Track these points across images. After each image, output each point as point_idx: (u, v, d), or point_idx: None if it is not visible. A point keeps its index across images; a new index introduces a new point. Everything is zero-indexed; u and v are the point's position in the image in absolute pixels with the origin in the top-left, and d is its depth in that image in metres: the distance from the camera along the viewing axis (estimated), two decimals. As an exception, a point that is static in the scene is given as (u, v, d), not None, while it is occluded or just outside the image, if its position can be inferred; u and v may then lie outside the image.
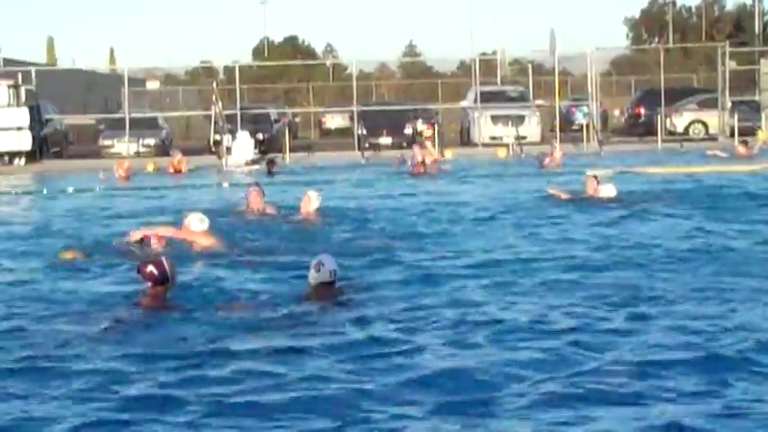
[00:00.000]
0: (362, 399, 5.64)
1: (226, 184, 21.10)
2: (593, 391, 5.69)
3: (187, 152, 31.75)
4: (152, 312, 7.73)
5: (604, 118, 37.39)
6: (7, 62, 35.65)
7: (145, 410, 5.54)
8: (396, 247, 10.99)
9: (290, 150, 29.65)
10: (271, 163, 24.30)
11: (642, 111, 36.53)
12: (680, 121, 34.70)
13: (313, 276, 8.04)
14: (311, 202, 13.15)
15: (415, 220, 13.73)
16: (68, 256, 10.55)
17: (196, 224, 10.84)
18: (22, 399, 5.82)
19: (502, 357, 6.42)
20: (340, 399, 5.66)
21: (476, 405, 5.56)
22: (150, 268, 7.79)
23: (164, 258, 8.06)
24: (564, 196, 15.25)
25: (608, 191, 14.96)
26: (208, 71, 59.46)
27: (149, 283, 7.81)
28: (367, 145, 30.75)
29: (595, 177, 15.65)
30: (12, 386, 6.03)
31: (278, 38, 76.06)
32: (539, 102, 36.89)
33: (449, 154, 27.88)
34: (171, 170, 24.66)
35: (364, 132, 32.31)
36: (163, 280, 7.78)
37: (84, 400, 5.75)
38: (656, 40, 68.75)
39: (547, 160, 23.66)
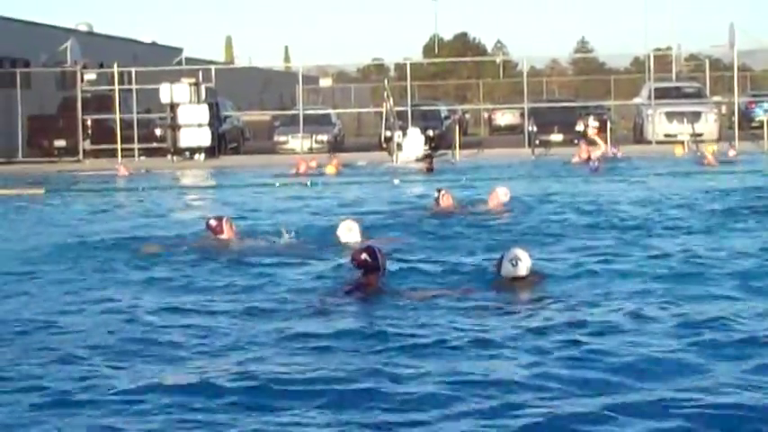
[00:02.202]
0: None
1: (397, 181, 21.30)
2: None
3: (359, 148, 32.40)
4: (365, 298, 7.99)
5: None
6: (188, 61, 37.07)
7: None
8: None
9: (460, 147, 29.72)
10: (428, 159, 24.40)
11: (827, 107, 34.92)
12: None
13: (508, 270, 8.24)
14: (499, 196, 13.12)
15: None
16: (152, 249, 10.85)
17: (344, 233, 10.72)
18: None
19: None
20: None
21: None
22: (364, 256, 8.06)
23: (375, 246, 8.32)
24: None
25: None
26: (379, 68, 60.21)
27: (361, 271, 8.08)
28: (537, 142, 30.51)
29: None
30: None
31: (448, 35, 76.47)
32: (716, 98, 35.78)
33: (620, 152, 27.10)
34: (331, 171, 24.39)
35: (535, 129, 32.07)
36: (376, 267, 8.04)
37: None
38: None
39: (705, 160, 23.02)
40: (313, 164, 24.35)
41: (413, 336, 6.88)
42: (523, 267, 8.23)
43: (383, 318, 7.50)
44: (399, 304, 7.88)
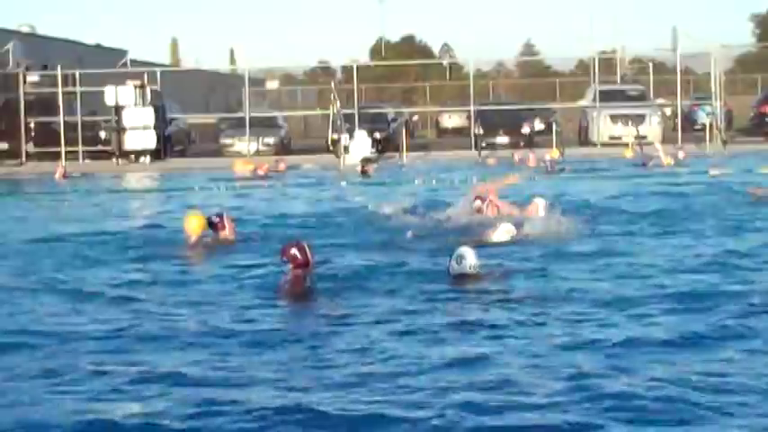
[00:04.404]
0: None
1: (344, 183, 21.30)
2: None
3: (306, 151, 32.35)
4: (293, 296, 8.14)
5: (729, 117, 36.46)
6: (133, 63, 36.71)
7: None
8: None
9: (408, 149, 29.79)
10: (366, 163, 24.47)
11: (769, 110, 35.48)
12: (810, 120, 33.62)
13: (454, 268, 8.50)
14: (539, 208, 12.57)
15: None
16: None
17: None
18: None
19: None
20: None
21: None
22: (293, 251, 8.22)
23: (305, 243, 8.44)
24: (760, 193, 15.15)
25: None
26: (325, 71, 60.11)
27: (291, 266, 8.23)
28: (484, 144, 30.65)
29: None
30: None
31: (395, 37, 76.58)
32: (659, 101, 36.21)
33: (555, 153, 27.40)
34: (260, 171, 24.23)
35: (481, 132, 32.22)
36: (305, 263, 8.21)
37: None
38: (784, 36, 66.70)
39: (650, 162, 23.34)
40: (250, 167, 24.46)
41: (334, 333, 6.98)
42: (467, 265, 8.37)
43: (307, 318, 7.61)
44: (324, 302, 8.01)
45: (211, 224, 11.07)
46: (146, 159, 29.94)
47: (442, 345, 6.69)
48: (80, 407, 5.54)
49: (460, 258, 8.47)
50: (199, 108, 42.93)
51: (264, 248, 10.58)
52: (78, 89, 31.92)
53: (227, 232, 11.01)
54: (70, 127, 31.23)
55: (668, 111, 37.70)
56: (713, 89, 32.83)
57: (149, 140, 29.98)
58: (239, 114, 35.60)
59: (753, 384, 5.68)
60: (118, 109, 29.81)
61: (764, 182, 17.19)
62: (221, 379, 5.99)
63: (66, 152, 30.63)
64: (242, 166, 25.03)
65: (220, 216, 11.21)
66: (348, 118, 30.68)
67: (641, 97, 34.41)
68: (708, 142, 30.71)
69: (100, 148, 31.28)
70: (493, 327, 7.11)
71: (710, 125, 31.64)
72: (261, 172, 23.77)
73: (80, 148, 30.97)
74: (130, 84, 30.16)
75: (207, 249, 10.89)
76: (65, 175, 25.41)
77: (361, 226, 12.97)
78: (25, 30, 38.89)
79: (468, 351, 6.48)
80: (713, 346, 6.58)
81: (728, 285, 8.49)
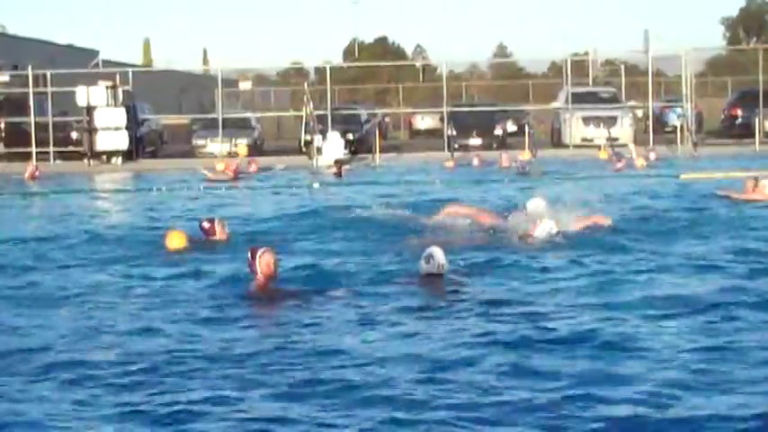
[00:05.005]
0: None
1: (316, 185, 21.27)
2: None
3: (279, 152, 32.29)
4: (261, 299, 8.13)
5: (699, 119, 36.71)
6: (105, 64, 36.51)
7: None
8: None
9: (380, 151, 29.80)
10: (338, 165, 24.46)
11: (739, 112, 35.75)
12: (779, 122, 33.85)
13: (422, 267, 8.57)
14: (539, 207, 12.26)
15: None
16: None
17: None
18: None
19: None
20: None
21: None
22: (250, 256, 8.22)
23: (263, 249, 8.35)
24: (735, 195, 15.26)
25: None
26: (299, 72, 60.03)
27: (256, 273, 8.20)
28: (456, 146, 30.72)
29: (756, 179, 15.51)
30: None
31: (368, 38, 76.59)
32: (631, 103, 36.40)
33: (527, 155, 27.56)
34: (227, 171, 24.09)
35: (454, 133, 32.29)
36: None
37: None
38: (755, 39, 67.22)
39: (619, 165, 23.48)
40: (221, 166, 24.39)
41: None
42: (436, 265, 8.47)
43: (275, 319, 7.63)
44: (289, 305, 8.01)
45: (203, 229, 11.09)
46: (117, 160, 29.76)
47: (407, 343, 6.69)
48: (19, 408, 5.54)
49: (429, 258, 8.53)
50: (171, 109, 42.74)
51: (230, 251, 10.52)
52: (49, 89, 31.70)
53: (217, 237, 11.04)
54: (41, 127, 31.01)
55: (640, 113, 37.92)
56: (684, 91, 33.04)
57: (121, 141, 29.81)
58: (212, 115, 35.47)
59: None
60: (89, 109, 29.63)
61: (728, 184, 17.31)
62: (177, 384, 5.97)
63: (36, 153, 30.41)
64: (215, 168, 24.74)
65: (211, 221, 11.22)
66: (321, 119, 30.65)
67: (613, 99, 34.59)
68: (679, 144, 30.92)
69: (71, 148, 31.08)
70: (461, 330, 7.15)
71: (681, 127, 31.85)
72: (229, 173, 23.55)
73: (51, 148, 30.76)
74: (102, 84, 29.97)
75: (177, 254, 10.85)
76: (34, 176, 25.21)
77: (333, 227, 12.95)
78: (-5, 29, 38.62)
79: (435, 348, 6.50)
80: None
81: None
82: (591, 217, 11.80)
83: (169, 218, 14.94)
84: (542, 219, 11.11)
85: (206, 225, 11.19)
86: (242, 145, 25.60)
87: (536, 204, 12.20)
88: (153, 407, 5.55)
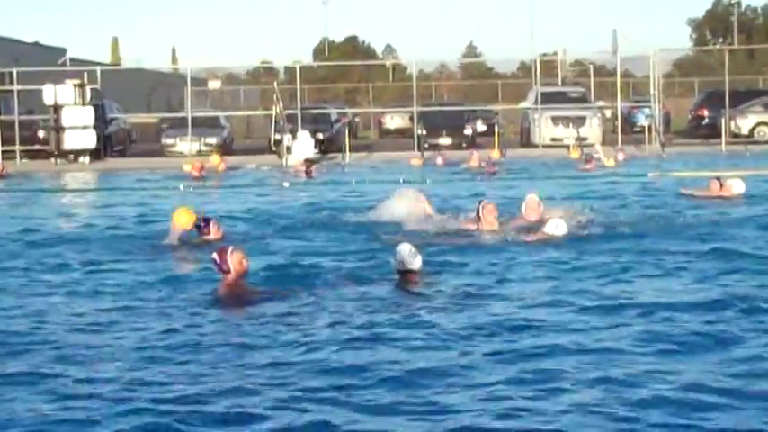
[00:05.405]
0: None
1: (286, 184, 21.23)
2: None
3: (248, 151, 32.21)
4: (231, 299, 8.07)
5: (667, 120, 37.00)
6: (73, 62, 36.27)
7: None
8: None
9: (350, 150, 29.80)
10: (307, 164, 24.44)
11: (706, 113, 36.07)
12: (745, 123, 34.16)
13: (395, 265, 8.59)
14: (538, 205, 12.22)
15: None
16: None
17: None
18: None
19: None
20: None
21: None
22: (214, 255, 8.16)
23: (231, 248, 8.29)
24: (698, 194, 15.46)
25: (738, 187, 15.18)
26: (268, 71, 59.90)
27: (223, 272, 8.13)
28: (426, 145, 30.78)
29: (718, 179, 15.71)
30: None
31: (338, 38, 76.53)
32: (600, 103, 36.63)
33: (497, 154, 27.67)
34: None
35: (424, 133, 32.36)
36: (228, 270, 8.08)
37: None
38: (721, 41, 67.82)
39: (588, 165, 23.62)
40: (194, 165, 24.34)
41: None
42: (409, 262, 8.45)
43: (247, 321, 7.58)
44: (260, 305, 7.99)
45: (198, 228, 11.10)
46: (85, 159, 29.57)
47: (382, 345, 6.70)
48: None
49: (401, 255, 8.51)
50: (140, 108, 42.53)
51: (199, 252, 10.48)
52: (15, 87, 31.47)
53: (212, 237, 10.99)
54: (7, 126, 30.77)
55: (608, 113, 38.16)
56: (652, 92, 33.29)
57: (89, 140, 29.62)
58: (181, 114, 35.35)
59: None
60: (57, 108, 29.42)
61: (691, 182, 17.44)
62: (142, 381, 5.95)
63: (2, 151, 30.17)
64: (188, 166, 24.57)
65: (207, 221, 11.20)
66: (291, 118, 30.61)
67: (582, 99, 34.79)
68: (647, 144, 31.14)
69: (38, 147, 30.86)
70: (432, 326, 7.15)
71: (649, 127, 32.08)
72: (195, 173, 23.37)
73: (17, 147, 30.53)
74: (70, 83, 29.77)
75: (155, 251, 10.81)
76: (2, 174, 24.99)
77: (303, 227, 12.94)
78: (-39, 27, 38.27)
79: (411, 350, 6.51)
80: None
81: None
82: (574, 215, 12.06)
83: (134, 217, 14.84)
84: (552, 216, 11.36)
85: (201, 224, 11.14)
86: (215, 155, 25.67)
87: (532, 201, 12.32)
88: (115, 403, 5.52)
